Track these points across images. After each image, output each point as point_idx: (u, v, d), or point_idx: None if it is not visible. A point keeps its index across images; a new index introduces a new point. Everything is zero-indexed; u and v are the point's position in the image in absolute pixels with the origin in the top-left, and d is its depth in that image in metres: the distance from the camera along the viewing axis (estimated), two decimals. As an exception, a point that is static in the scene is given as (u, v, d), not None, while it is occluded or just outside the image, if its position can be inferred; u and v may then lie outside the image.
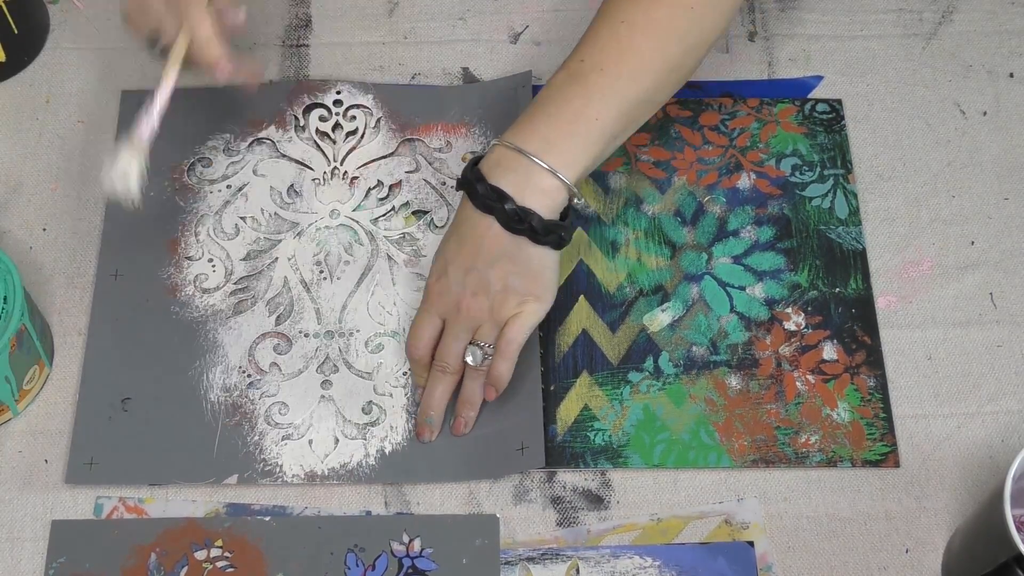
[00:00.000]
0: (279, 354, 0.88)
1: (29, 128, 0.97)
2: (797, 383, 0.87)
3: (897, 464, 0.85)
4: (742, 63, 1.01)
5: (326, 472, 0.84)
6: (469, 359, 0.83)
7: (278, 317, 0.89)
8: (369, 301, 0.90)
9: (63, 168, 0.96)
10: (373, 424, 0.85)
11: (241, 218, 0.93)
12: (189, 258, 0.91)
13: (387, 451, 0.84)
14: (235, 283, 0.90)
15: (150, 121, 0.81)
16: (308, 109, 0.97)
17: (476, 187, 0.80)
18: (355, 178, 0.94)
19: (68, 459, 0.83)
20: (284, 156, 0.95)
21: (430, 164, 0.95)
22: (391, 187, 0.94)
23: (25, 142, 0.97)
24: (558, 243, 0.82)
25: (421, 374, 0.85)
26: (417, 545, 0.82)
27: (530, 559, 0.82)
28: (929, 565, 0.82)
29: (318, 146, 0.96)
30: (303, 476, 0.83)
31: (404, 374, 0.87)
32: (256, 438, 0.85)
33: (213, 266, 0.91)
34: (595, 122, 0.81)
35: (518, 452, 0.84)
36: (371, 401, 0.86)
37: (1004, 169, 0.96)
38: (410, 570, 0.81)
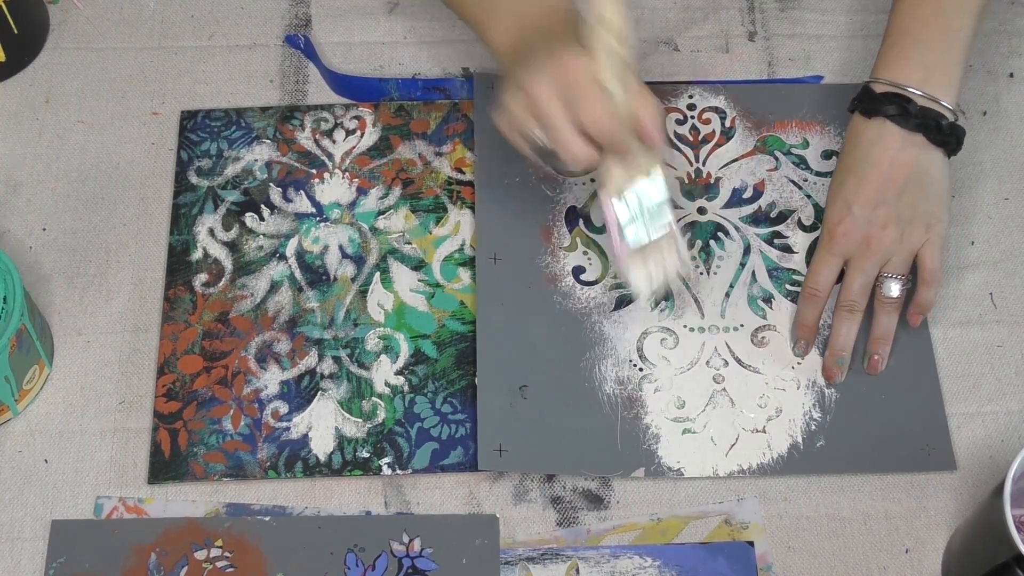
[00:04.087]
0: (667, 348, 0.88)
1: (29, 128, 0.97)
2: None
3: (899, 464, 0.85)
4: (742, 63, 1.01)
5: (733, 468, 0.84)
6: (892, 292, 0.84)
7: (661, 311, 0.89)
8: (748, 295, 0.90)
9: (63, 168, 0.96)
10: (771, 418, 0.86)
11: None
12: (564, 248, 0.91)
13: (790, 444, 0.85)
14: (613, 277, 0.90)
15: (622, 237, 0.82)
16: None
17: (876, 96, 0.84)
18: (718, 179, 0.95)
19: (478, 444, 0.84)
20: None
21: (791, 161, 0.96)
22: (755, 186, 0.94)
23: (25, 142, 0.97)
24: (956, 146, 0.85)
25: (813, 313, 0.86)
26: (417, 545, 0.82)
27: (530, 559, 0.82)
28: (929, 565, 0.82)
29: (678, 148, 0.96)
30: (710, 472, 0.84)
31: (793, 368, 0.87)
32: (655, 432, 0.85)
33: (589, 260, 0.91)
34: (958, 33, 0.84)
35: (924, 452, 0.84)
36: (765, 395, 0.86)
37: (1004, 169, 0.96)
38: (410, 570, 0.81)
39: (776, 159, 0.96)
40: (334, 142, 0.97)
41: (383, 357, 0.88)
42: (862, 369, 0.87)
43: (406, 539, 0.82)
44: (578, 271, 0.91)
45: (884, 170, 0.84)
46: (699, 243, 0.92)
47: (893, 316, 0.86)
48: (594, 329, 0.89)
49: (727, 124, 0.97)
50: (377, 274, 0.91)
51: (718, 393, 0.87)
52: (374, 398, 0.87)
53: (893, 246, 0.84)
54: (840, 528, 0.83)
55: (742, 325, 0.89)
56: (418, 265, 0.92)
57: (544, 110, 0.76)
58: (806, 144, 0.96)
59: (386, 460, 0.85)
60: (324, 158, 0.96)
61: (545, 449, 0.84)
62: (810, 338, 0.87)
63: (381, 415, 0.86)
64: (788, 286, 0.90)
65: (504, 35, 0.83)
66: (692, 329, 0.89)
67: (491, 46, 0.85)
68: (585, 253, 0.91)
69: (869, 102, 0.86)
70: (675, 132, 0.97)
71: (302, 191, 0.95)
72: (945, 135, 0.84)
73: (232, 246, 0.92)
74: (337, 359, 0.88)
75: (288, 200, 0.94)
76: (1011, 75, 1.00)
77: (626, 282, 0.86)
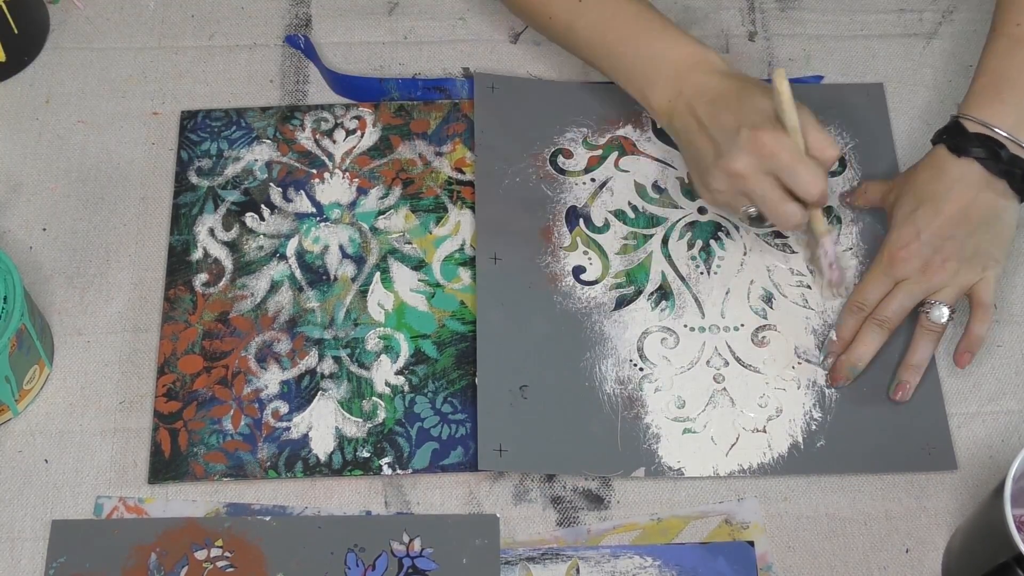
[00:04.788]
0: (667, 348, 0.88)
1: (29, 128, 0.97)
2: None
3: (899, 464, 0.85)
4: (742, 63, 1.01)
5: (734, 468, 0.84)
6: (941, 318, 0.84)
7: (661, 311, 0.89)
8: (748, 294, 0.90)
9: (63, 168, 0.96)
10: (772, 418, 0.86)
11: (610, 212, 0.93)
12: (565, 248, 0.91)
13: (790, 444, 0.85)
14: (613, 276, 0.90)
15: (833, 265, 0.87)
16: None
17: (970, 138, 0.84)
18: None
19: (478, 444, 0.84)
20: (644, 154, 0.96)
21: None
22: None
23: (25, 142, 0.97)
24: None
25: (851, 326, 0.87)
26: (417, 545, 0.82)
27: (530, 559, 0.82)
28: (929, 565, 0.82)
29: (678, 148, 0.96)
30: (710, 472, 0.84)
31: (793, 368, 0.87)
32: (655, 431, 0.85)
33: (589, 259, 0.91)
34: None
35: (924, 452, 0.84)
36: (765, 395, 0.86)
37: (1004, 169, 0.96)
38: (410, 570, 0.81)
39: None
40: (334, 142, 0.97)
41: (383, 357, 0.88)
42: (867, 372, 0.86)
43: (406, 539, 0.82)
44: (578, 271, 0.91)
45: (961, 208, 0.84)
46: (699, 243, 0.92)
47: (931, 346, 0.86)
48: (594, 329, 0.89)
49: None
50: (377, 274, 0.91)
51: (718, 393, 0.87)
52: (374, 398, 0.87)
53: (947, 278, 0.84)
54: (840, 528, 0.83)
55: (742, 325, 0.89)
56: (418, 265, 0.92)
57: (754, 188, 0.81)
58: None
59: (386, 460, 0.85)
60: (324, 158, 0.96)
61: (545, 449, 0.84)
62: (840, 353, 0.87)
63: (381, 415, 0.86)
64: (788, 286, 0.90)
65: (662, 95, 0.86)
66: (692, 329, 0.89)
67: (649, 105, 0.87)
68: (585, 253, 0.91)
69: (960, 139, 0.85)
70: None
71: (302, 191, 0.95)
72: None
73: (232, 246, 0.92)
74: (337, 359, 0.88)
75: (288, 200, 0.94)
76: (1011, 75, 1.00)
77: (841, 295, 0.89)
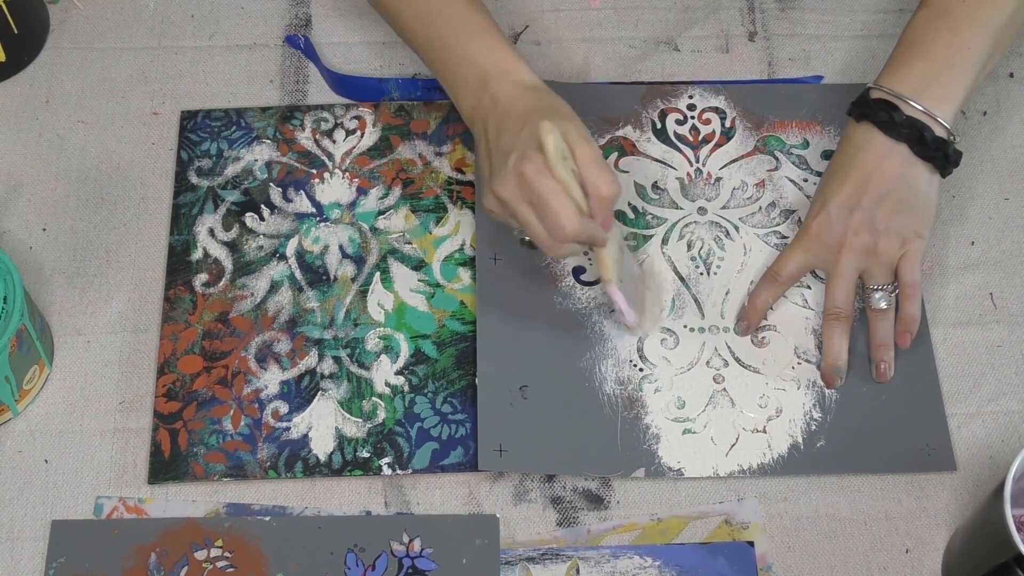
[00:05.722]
0: (667, 348, 0.88)
1: (29, 128, 0.97)
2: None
3: (899, 464, 0.85)
4: (742, 63, 1.01)
5: (734, 469, 0.84)
6: (880, 304, 0.84)
7: (661, 311, 0.89)
8: (748, 294, 0.90)
9: (63, 168, 0.96)
10: (772, 418, 0.86)
11: None
12: None
13: (790, 445, 0.85)
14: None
15: (622, 310, 0.85)
16: (664, 114, 0.97)
17: (872, 103, 0.83)
18: (719, 178, 0.95)
19: (478, 444, 0.84)
20: (644, 155, 0.96)
21: (791, 161, 0.96)
22: (755, 186, 0.94)
23: (25, 142, 0.97)
24: (944, 163, 0.83)
25: (769, 297, 0.87)
26: (417, 545, 0.82)
27: (530, 559, 0.82)
28: (929, 565, 0.82)
29: (679, 149, 0.96)
30: (710, 472, 0.84)
31: (793, 368, 0.87)
32: (655, 432, 0.85)
33: (590, 260, 0.91)
34: (967, 52, 0.83)
35: (924, 452, 0.84)
36: (765, 395, 0.86)
37: (1004, 169, 0.96)
38: (410, 570, 0.81)
39: (776, 159, 0.96)
40: (334, 142, 0.97)
41: (383, 357, 0.88)
42: (862, 369, 0.87)
43: (406, 539, 0.82)
44: (578, 271, 0.91)
45: (866, 174, 0.84)
46: (699, 243, 0.92)
47: (888, 324, 0.86)
48: (594, 329, 0.89)
49: (727, 124, 0.97)
50: (377, 274, 0.91)
51: (718, 393, 0.87)
52: (374, 398, 0.87)
53: (867, 254, 0.84)
54: (840, 528, 0.83)
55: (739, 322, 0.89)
56: (418, 265, 0.92)
57: (518, 215, 0.79)
58: (806, 144, 0.96)
59: (386, 460, 0.85)
60: (324, 158, 0.96)
61: (545, 449, 0.84)
62: (756, 322, 0.88)
63: (381, 415, 0.86)
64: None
65: (466, 100, 0.85)
66: (692, 329, 0.89)
67: (459, 107, 0.86)
68: (585, 254, 0.91)
69: (862, 107, 0.85)
70: (675, 132, 0.97)
71: (302, 191, 0.95)
72: (931, 150, 0.83)
73: (232, 246, 0.92)
74: (337, 359, 0.88)
75: (288, 200, 0.94)
76: (1011, 75, 1.00)
77: (643, 334, 0.88)
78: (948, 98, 0.83)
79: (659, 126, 0.97)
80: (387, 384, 0.87)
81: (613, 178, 0.79)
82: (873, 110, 0.84)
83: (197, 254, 0.92)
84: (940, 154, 0.83)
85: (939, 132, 0.83)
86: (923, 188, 0.84)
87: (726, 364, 0.87)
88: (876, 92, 0.85)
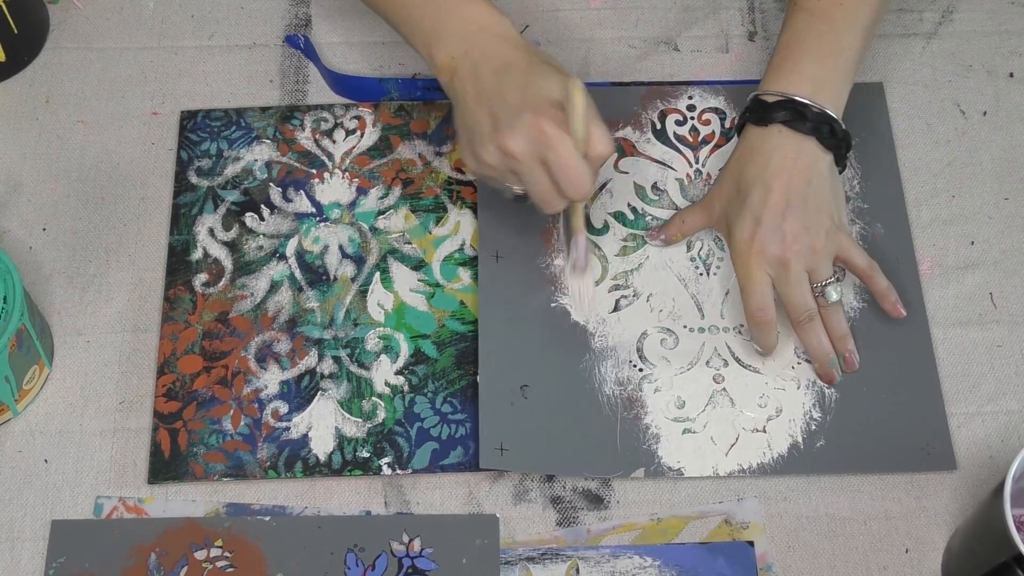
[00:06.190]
0: (667, 348, 0.88)
1: (29, 128, 0.97)
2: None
3: (899, 464, 0.85)
4: (742, 63, 1.01)
5: (733, 468, 0.84)
6: (832, 297, 0.85)
7: (660, 311, 0.89)
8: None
9: (63, 168, 0.96)
10: (771, 418, 0.86)
11: (610, 214, 0.93)
12: (557, 250, 0.92)
13: (790, 444, 0.85)
14: (612, 278, 0.90)
15: (580, 257, 0.85)
16: (663, 115, 0.97)
17: (771, 108, 0.84)
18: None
19: (479, 443, 0.84)
20: (644, 156, 0.96)
21: None
22: None
23: (25, 142, 0.97)
24: (844, 155, 0.86)
25: (771, 336, 0.86)
26: (417, 545, 0.82)
27: (530, 559, 0.82)
28: (929, 565, 0.82)
29: (678, 149, 0.96)
30: (710, 472, 0.84)
31: (792, 368, 0.87)
32: (655, 432, 0.85)
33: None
34: (849, 53, 0.86)
35: (924, 452, 0.84)
36: (765, 395, 0.86)
37: (1004, 169, 0.96)
38: (410, 570, 0.81)
39: None
40: (334, 142, 0.97)
41: (383, 357, 0.88)
42: (862, 370, 0.87)
43: (406, 539, 0.82)
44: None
45: (787, 177, 0.84)
46: (699, 243, 0.92)
47: (840, 315, 0.86)
48: (594, 330, 0.89)
49: (727, 125, 0.97)
50: (377, 274, 0.91)
51: (718, 393, 0.87)
52: (374, 398, 0.87)
53: (808, 256, 0.84)
54: (840, 528, 0.83)
55: (742, 325, 0.89)
56: (418, 265, 0.92)
57: (525, 172, 0.79)
58: None
59: (386, 460, 0.85)
60: (324, 158, 0.96)
61: (546, 449, 0.84)
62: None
63: (381, 415, 0.86)
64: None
65: (446, 51, 0.83)
66: (692, 329, 0.89)
67: (431, 60, 0.85)
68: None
69: (762, 111, 0.85)
70: (675, 133, 0.97)
71: (302, 191, 0.95)
72: (837, 139, 0.85)
73: (232, 246, 0.92)
74: (337, 359, 0.88)
75: (288, 200, 0.94)
76: (1011, 75, 1.00)
77: (590, 315, 0.89)
78: (840, 96, 0.86)
79: (659, 127, 0.97)
80: (387, 384, 0.87)
81: (611, 138, 0.80)
82: (775, 111, 0.84)
83: (197, 254, 0.92)
84: (844, 145, 0.85)
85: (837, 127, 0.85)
86: (832, 175, 0.86)
87: (726, 364, 0.87)
88: (770, 97, 0.85)
